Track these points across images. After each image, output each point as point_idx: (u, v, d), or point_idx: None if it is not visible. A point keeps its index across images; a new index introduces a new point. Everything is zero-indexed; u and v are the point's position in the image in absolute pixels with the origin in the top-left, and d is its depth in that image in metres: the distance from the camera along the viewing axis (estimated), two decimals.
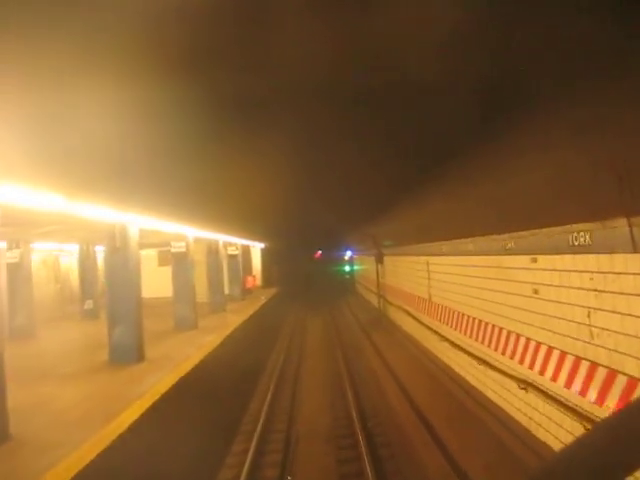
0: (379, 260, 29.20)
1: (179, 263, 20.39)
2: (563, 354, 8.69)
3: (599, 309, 7.54)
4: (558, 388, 8.85)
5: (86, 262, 25.79)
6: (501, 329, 11.43)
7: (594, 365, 7.73)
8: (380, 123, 9.08)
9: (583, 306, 7.94)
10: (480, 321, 12.77)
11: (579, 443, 0.98)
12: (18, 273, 20.16)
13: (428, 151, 10.43)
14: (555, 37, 5.31)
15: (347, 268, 60.29)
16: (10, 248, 20.13)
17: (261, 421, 14.22)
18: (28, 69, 5.58)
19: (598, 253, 7.44)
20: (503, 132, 8.35)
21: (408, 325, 22.23)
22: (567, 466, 0.93)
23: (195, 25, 5.21)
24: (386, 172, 13.19)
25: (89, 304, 25.03)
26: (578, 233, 7.88)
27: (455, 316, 14.96)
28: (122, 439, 7.74)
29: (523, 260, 10.06)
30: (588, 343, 7.87)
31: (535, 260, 9.56)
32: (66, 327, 23.32)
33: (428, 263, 18.03)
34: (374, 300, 32.60)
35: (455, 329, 14.96)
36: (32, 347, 17.99)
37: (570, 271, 8.28)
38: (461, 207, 13.28)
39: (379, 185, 15.53)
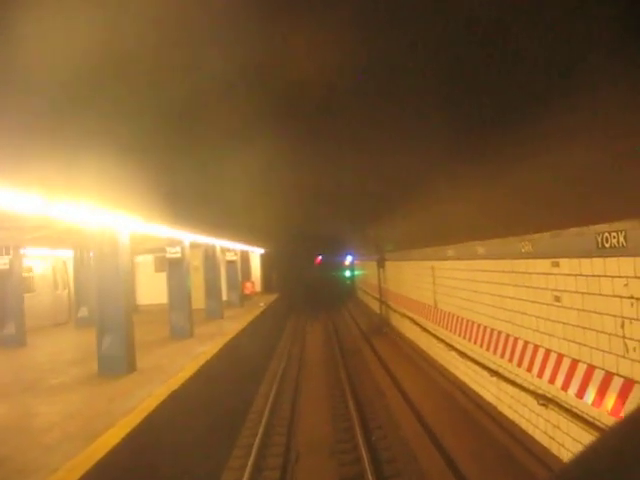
0: (381, 265, 28.54)
1: (174, 269, 19.72)
2: (591, 368, 7.89)
3: (636, 319, 6.74)
4: (585, 406, 8.06)
5: (80, 268, 25.05)
6: (517, 339, 10.65)
7: (629, 382, 6.94)
8: (380, 122, 8.47)
9: (615, 315, 7.15)
10: (492, 330, 12.00)
11: (592, 449, 0.95)
12: (8, 280, 19.43)
13: (434, 147, 9.65)
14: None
15: (348, 273, 59.72)
16: None
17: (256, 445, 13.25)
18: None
19: (635, 256, 6.65)
20: (519, 125, 7.53)
21: (412, 332, 21.52)
22: (581, 473, 0.91)
23: None
24: (388, 174, 12.55)
25: (83, 311, 24.38)
26: (609, 233, 7.10)
27: (464, 324, 14.21)
28: (98, 466, 6.97)
29: (542, 264, 9.29)
30: (622, 357, 7.07)
31: (557, 264, 8.78)
32: (58, 336, 22.63)
33: (433, 268, 17.31)
34: (375, 306, 31.93)
35: (464, 338, 14.21)
36: (21, 357, 17.30)
37: (599, 276, 7.49)
38: (469, 208, 12.53)
39: (381, 188, 14.91)
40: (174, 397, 10.67)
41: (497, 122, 7.55)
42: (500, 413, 11.58)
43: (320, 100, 7.38)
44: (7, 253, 19.40)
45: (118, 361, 12.89)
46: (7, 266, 19.34)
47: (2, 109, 5.91)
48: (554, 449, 9.14)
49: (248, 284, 36.63)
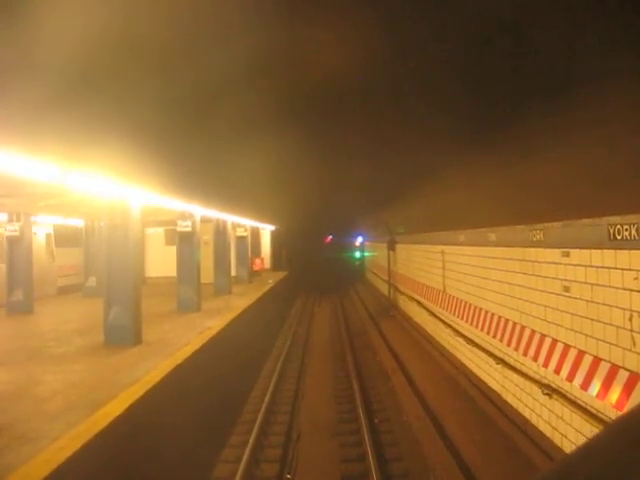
0: (391, 247, 28.42)
1: (184, 243, 19.68)
2: (597, 360, 7.83)
3: None
4: (589, 397, 8.02)
5: (91, 238, 25.09)
6: (524, 327, 10.59)
7: (635, 375, 6.88)
8: (400, 101, 8.35)
9: (624, 308, 7.08)
10: (500, 317, 11.94)
11: (590, 445, 0.92)
12: (18, 247, 19.50)
13: (450, 135, 9.54)
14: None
15: (357, 254, 59.50)
16: (11, 221, 19.44)
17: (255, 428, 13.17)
18: None
19: None
20: (537, 112, 7.42)
21: (419, 316, 21.47)
22: (578, 468, 0.88)
23: None
24: (403, 155, 12.45)
25: (92, 281, 24.47)
26: (622, 226, 7.02)
27: (472, 310, 14.15)
28: (97, 439, 6.99)
29: (553, 254, 9.21)
30: (628, 350, 7.02)
31: (567, 254, 8.70)
32: (66, 304, 22.72)
33: (444, 252, 17.23)
34: (384, 288, 31.85)
35: (471, 324, 14.16)
36: (28, 324, 17.38)
37: (610, 268, 7.41)
38: (482, 195, 12.43)
39: (395, 169, 14.81)
40: (178, 371, 10.70)
41: (514, 113, 7.46)
42: (504, 401, 11.55)
43: (335, 89, 7.34)
44: (18, 220, 19.43)
45: (124, 332, 12.93)
46: (17, 233, 19.38)
47: (22, 82, 5.89)
48: (557, 440, 9.12)
49: (257, 260, 36.65)
